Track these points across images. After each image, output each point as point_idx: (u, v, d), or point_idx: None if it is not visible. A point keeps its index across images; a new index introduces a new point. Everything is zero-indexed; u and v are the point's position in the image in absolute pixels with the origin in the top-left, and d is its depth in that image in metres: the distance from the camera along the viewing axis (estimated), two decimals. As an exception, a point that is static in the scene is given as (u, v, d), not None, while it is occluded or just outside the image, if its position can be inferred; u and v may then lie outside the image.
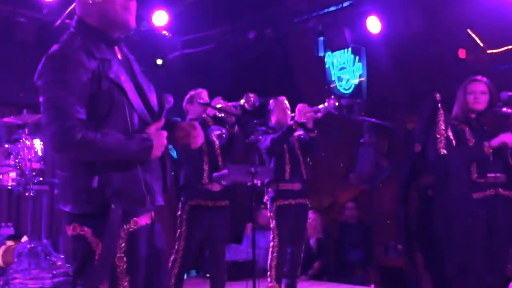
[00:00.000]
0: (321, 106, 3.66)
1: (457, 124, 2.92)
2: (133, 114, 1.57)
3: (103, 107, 1.52)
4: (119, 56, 1.64)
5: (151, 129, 1.56)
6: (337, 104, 3.60)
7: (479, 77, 3.02)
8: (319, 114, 3.68)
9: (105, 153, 1.48)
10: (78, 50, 1.52)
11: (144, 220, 1.60)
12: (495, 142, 2.79)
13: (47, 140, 1.51)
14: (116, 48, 1.64)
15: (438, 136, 2.78)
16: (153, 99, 1.68)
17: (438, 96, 2.91)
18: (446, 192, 2.75)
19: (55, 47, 1.57)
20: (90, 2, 1.57)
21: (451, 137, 2.81)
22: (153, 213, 1.66)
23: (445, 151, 2.70)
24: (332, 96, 3.70)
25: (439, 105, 2.85)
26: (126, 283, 1.52)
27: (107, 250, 1.48)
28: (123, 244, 1.52)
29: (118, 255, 1.51)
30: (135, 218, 1.56)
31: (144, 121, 1.59)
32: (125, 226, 1.53)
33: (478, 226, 2.75)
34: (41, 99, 1.52)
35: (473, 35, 4.35)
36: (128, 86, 1.58)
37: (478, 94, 2.95)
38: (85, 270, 1.52)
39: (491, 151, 2.78)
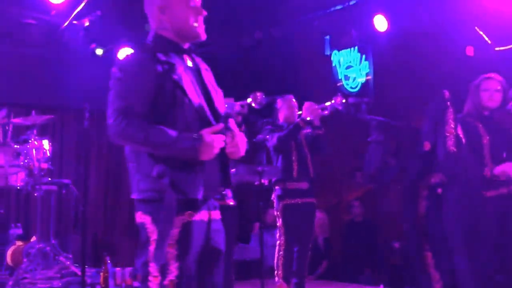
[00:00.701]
0: (328, 103, 3.65)
1: (470, 121, 2.91)
2: (193, 115, 1.69)
3: (165, 106, 1.66)
4: (189, 63, 1.79)
5: (205, 131, 1.66)
6: (343, 101, 3.60)
7: (493, 75, 3.01)
8: (326, 112, 3.67)
9: (151, 146, 1.62)
10: (144, 53, 1.70)
11: (200, 215, 1.69)
12: (498, 170, 2.77)
13: (108, 129, 1.67)
14: (185, 56, 1.79)
15: (448, 134, 2.76)
16: (219, 104, 1.80)
17: (447, 93, 2.89)
18: (456, 190, 2.73)
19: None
20: (165, 18, 1.75)
21: (461, 135, 2.79)
22: (213, 212, 1.75)
23: (454, 149, 2.68)
24: (339, 94, 3.70)
25: (448, 103, 2.82)
26: (174, 269, 1.62)
27: (161, 235, 1.60)
28: (176, 232, 1.63)
29: (170, 242, 1.62)
30: (190, 211, 1.66)
31: (206, 123, 1.70)
32: (180, 216, 1.64)
33: (489, 224, 2.72)
34: (110, 95, 1.69)
35: (481, 33, 4.31)
36: (191, 89, 1.71)
37: (493, 92, 2.95)
38: (141, 255, 1.64)
39: (489, 174, 2.77)
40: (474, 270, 2.66)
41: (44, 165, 3.98)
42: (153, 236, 1.63)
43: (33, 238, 4.09)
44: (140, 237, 1.68)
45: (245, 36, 5.25)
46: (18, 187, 3.99)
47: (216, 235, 1.76)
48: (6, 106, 4.23)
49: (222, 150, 1.71)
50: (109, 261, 3.82)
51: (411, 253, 2.80)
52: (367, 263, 5.13)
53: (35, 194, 3.98)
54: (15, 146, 3.93)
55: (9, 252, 4.02)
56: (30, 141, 3.92)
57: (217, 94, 1.83)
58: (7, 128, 4.08)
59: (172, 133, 1.62)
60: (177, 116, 1.67)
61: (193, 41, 1.80)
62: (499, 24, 4.23)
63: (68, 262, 3.90)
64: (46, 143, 4.01)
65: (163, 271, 1.62)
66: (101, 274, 3.80)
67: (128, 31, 5.12)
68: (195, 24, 1.77)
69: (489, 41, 4.36)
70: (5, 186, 3.94)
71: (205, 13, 1.79)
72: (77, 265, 3.90)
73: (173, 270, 1.62)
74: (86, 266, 3.49)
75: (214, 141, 1.64)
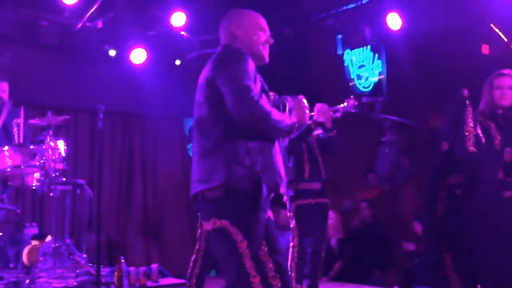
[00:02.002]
0: (341, 105, 3.63)
1: (483, 120, 2.81)
2: None
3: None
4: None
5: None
6: (356, 104, 3.56)
7: (506, 71, 2.88)
8: (338, 114, 3.65)
9: (278, 121, 1.78)
10: (243, 52, 1.89)
11: (269, 212, 1.77)
12: None
13: (240, 116, 1.73)
14: None
15: (467, 133, 2.67)
16: None
17: (465, 92, 2.80)
18: (475, 191, 2.67)
19: (222, 51, 1.94)
20: (239, 37, 1.95)
21: (480, 134, 2.70)
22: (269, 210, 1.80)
23: (474, 149, 2.61)
24: (352, 96, 3.66)
25: (467, 101, 2.74)
26: (271, 264, 1.65)
27: (247, 234, 1.64)
28: (262, 229, 1.68)
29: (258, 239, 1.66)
30: (267, 208, 1.73)
31: None
32: (261, 213, 1.69)
33: (509, 225, 2.66)
34: (226, 88, 1.78)
35: (497, 30, 4.24)
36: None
37: (505, 89, 2.82)
38: (231, 258, 1.67)
39: (511, 159, 2.67)
40: (494, 271, 2.61)
41: (59, 166, 4.01)
42: (239, 237, 1.65)
43: (49, 238, 4.14)
44: (220, 242, 1.69)
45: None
46: (34, 187, 4.03)
47: (271, 230, 1.79)
48: (22, 107, 4.29)
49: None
50: (123, 261, 3.85)
51: (429, 255, 2.75)
52: (380, 265, 5.08)
53: (51, 194, 4.01)
54: (31, 146, 3.97)
55: (25, 251, 4.07)
56: (45, 141, 3.95)
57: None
58: (23, 128, 4.14)
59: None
60: None
61: (258, 62, 1.96)
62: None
63: (83, 262, 3.94)
64: (61, 144, 4.05)
65: (261, 269, 1.63)
66: (115, 273, 3.83)
67: (140, 32, 5.16)
68: (261, 48, 1.97)
69: (505, 39, 4.29)
70: (21, 186, 3.98)
71: (272, 41, 2.01)
72: (91, 264, 3.93)
73: (271, 267, 1.63)
74: (100, 266, 3.52)
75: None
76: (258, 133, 1.78)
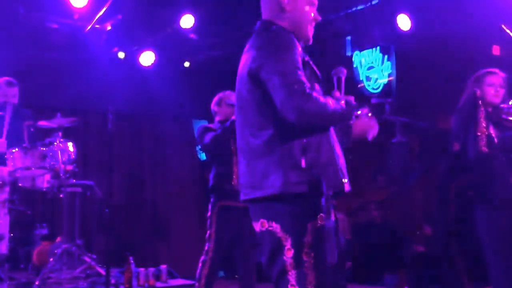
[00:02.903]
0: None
1: None
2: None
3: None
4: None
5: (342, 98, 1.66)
6: (370, 114, 3.52)
7: (497, 70, 2.89)
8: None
9: (331, 113, 1.59)
10: (289, 34, 1.67)
11: (332, 216, 1.61)
12: None
13: (291, 115, 1.54)
14: None
15: (479, 134, 2.65)
16: None
17: (478, 92, 2.79)
18: (488, 191, 2.65)
19: (265, 33, 1.69)
20: (287, 10, 1.71)
21: (493, 134, 2.69)
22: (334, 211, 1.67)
23: (487, 149, 2.58)
24: (366, 106, 3.62)
25: (480, 101, 2.72)
26: (312, 278, 1.54)
27: (295, 242, 1.54)
28: (310, 239, 1.56)
29: (306, 250, 1.55)
30: (322, 214, 1.57)
31: None
32: (313, 221, 1.57)
33: None
34: (273, 82, 1.58)
35: (508, 31, 4.21)
36: (315, 71, 1.75)
37: (498, 87, 2.81)
38: (276, 264, 1.56)
39: None
40: (508, 272, 2.59)
41: (69, 167, 4.04)
42: (287, 244, 1.55)
43: (59, 239, 4.17)
44: (266, 245, 1.60)
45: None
46: (44, 189, 4.06)
47: (340, 235, 1.72)
48: (32, 109, 4.33)
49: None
50: (132, 261, 3.87)
51: (441, 256, 2.73)
52: (390, 267, 5.06)
53: (61, 196, 4.05)
54: (42, 148, 4.00)
55: (35, 252, 4.11)
56: (55, 143, 3.98)
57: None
58: (32, 130, 4.18)
59: (332, 100, 1.62)
60: None
61: (302, 42, 1.76)
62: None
63: (93, 262, 3.96)
64: (70, 145, 4.08)
65: (301, 281, 1.54)
66: (125, 274, 3.85)
67: (149, 34, 5.19)
68: (309, 27, 1.76)
69: (516, 40, 4.26)
70: (31, 187, 4.02)
71: (319, 18, 1.78)
72: (101, 265, 3.95)
73: (311, 280, 1.54)
74: (110, 266, 3.54)
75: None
76: (314, 128, 1.60)
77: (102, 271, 3.78)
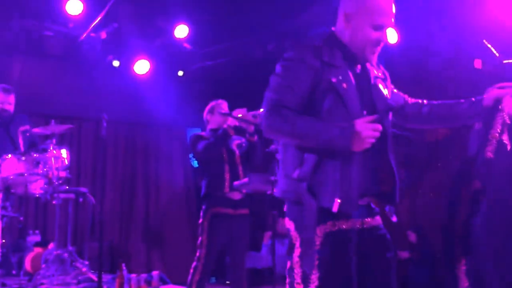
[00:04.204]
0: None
1: None
2: (345, 119, 1.62)
3: (319, 102, 1.65)
4: (357, 70, 1.76)
5: (358, 121, 1.58)
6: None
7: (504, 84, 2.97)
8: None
9: (298, 136, 1.59)
10: (306, 49, 1.69)
11: (349, 224, 1.63)
12: None
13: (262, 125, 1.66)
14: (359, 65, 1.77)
15: (490, 138, 2.59)
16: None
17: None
18: (488, 198, 2.65)
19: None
20: (350, 24, 1.71)
21: (506, 141, 2.62)
22: (368, 220, 1.68)
23: (491, 155, 2.54)
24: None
25: (500, 106, 2.67)
26: (315, 279, 1.58)
27: (303, 243, 1.60)
28: (318, 242, 1.60)
29: (312, 251, 1.59)
30: (332, 221, 1.61)
31: None
32: (322, 226, 1.61)
33: None
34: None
35: (489, 46, 4.35)
36: (348, 93, 1.67)
37: None
38: (288, 261, 1.66)
39: None
40: (503, 278, 2.61)
41: (63, 174, 4.08)
42: (297, 243, 1.64)
43: (51, 245, 4.19)
44: (288, 242, 1.70)
45: (258, 48, 5.36)
46: (37, 195, 4.08)
47: (376, 242, 1.69)
48: (27, 115, 4.37)
49: (375, 152, 1.62)
50: (124, 268, 3.91)
51: (444, 258, 2.72)
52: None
53: (53, 202, 4.07)
54: (35, 155, 4.04)
55: (28, 258, 4.13)
56: (49, 150, 4.02)
57: (386, 105, 1.78)
58: (28, 135, 4.21)
59: (321, 123, 1.59)
60: (330, 115, 1.63)
61: (361, 61, 1.76)
62: (506, 37, 4.26)
63: (85, 269, 3.99)
64: (64, 152, 4.12)
65: (305, 280, 1.59)
66: (117, 280, 3.89)
67: (144, 43, 5.26)
68: (369, 49, 1.72)
69: (497, 54, 4.40)
70: (24, 193, 4.04)
71: (385, 41, 1.74)
72: (93, 271, 3.98)
73: (314, 280, 1.57)
74: (102, 272, 3.57)
75: (366, 129, 1.54)
76: (311, 146, 1.61)
77: (94, 277, 3.80)
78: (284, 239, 4.81)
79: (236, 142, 3.61)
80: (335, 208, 1.57)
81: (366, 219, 1.69)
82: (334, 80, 1.65)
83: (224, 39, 5.30)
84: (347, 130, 1.55)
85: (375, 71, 1.84)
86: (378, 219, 1.73)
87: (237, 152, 3.58)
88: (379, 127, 1.59)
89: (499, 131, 2.67)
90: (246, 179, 3.37)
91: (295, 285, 1.62)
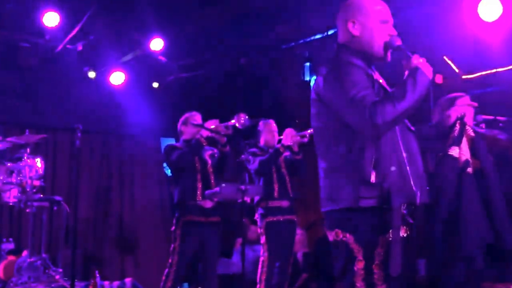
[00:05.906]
0: (309, 131, 3.91)
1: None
2: None
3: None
4: (373, 72, 1.85)
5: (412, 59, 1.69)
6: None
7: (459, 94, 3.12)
8: (305, 139, 3.94)
9: (408, 100, 1.60)
10: (352, 55, 1.76)
11: (401, 231, 1.63)
12: None
13: (368, 129, 1.59)
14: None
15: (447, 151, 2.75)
16: None
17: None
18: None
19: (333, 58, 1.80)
20: (356, 35, 1.77)
21: (456, 155, 2.77)
22: (405, 227, 1.69)
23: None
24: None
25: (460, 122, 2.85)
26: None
27: (367, 255, 1.59)
28: (381, 252, 1.61)
29: (377, 262, 1.60)
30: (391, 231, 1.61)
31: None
32: (384, 235, 1.61)
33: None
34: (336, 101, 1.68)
35: (449, 62, 4.63)
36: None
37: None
38: (346, 273, 1.63)
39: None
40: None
41: (37, 183, 4.12)
42: (359, 255, 1.60)
43: (24, 253, 4.22)
44: (339, 256, 1.65)
45: (231, 62, 5.54)
46: (11, 204, 4.11)
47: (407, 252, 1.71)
48: (1, 125, 4.40)
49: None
50: (98, 275, 3.97)
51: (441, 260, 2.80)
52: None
53: (27, 211, 4.11)
54: (9, 164, 4.07)
55: (1, 266, 4.14)
56: (23, 159, 4.06)
57: None
58: (0, 146, 4.24)
59: (398, 86, 1.63)
60: None
61: (375, 60, 1.82)
62: (466, 53, 4.52)
63: (58, 276, 4.03)
64: (38, 161, 4.16)
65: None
66: (90, 287, 3.94)
67: (119, 55, 5.36)
68: (382, 52, 1.77)
69: (456, 70, 4.68)
70: (-3, 202, 4.07)
71: (395, 33, 1.78)
72: (66, 278, 4.03)
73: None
74: (75, 280, 3.63)
75: (418, 59, 1.70)
76: (382, 143, 1.62)
77: (67, 285, 3.85)
78: (255, 245, 4.95)
79: (208, 152, 3.76)
80: (419, 199, 1.61)
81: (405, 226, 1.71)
82: (381, 80, 1.75)
83: (198, 53, 5.46)
84: (415, 69, 1.66)
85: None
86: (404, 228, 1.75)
87: (209, 162, 3.73)
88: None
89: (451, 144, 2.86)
90: (217, 188, 3.50)
91: None
